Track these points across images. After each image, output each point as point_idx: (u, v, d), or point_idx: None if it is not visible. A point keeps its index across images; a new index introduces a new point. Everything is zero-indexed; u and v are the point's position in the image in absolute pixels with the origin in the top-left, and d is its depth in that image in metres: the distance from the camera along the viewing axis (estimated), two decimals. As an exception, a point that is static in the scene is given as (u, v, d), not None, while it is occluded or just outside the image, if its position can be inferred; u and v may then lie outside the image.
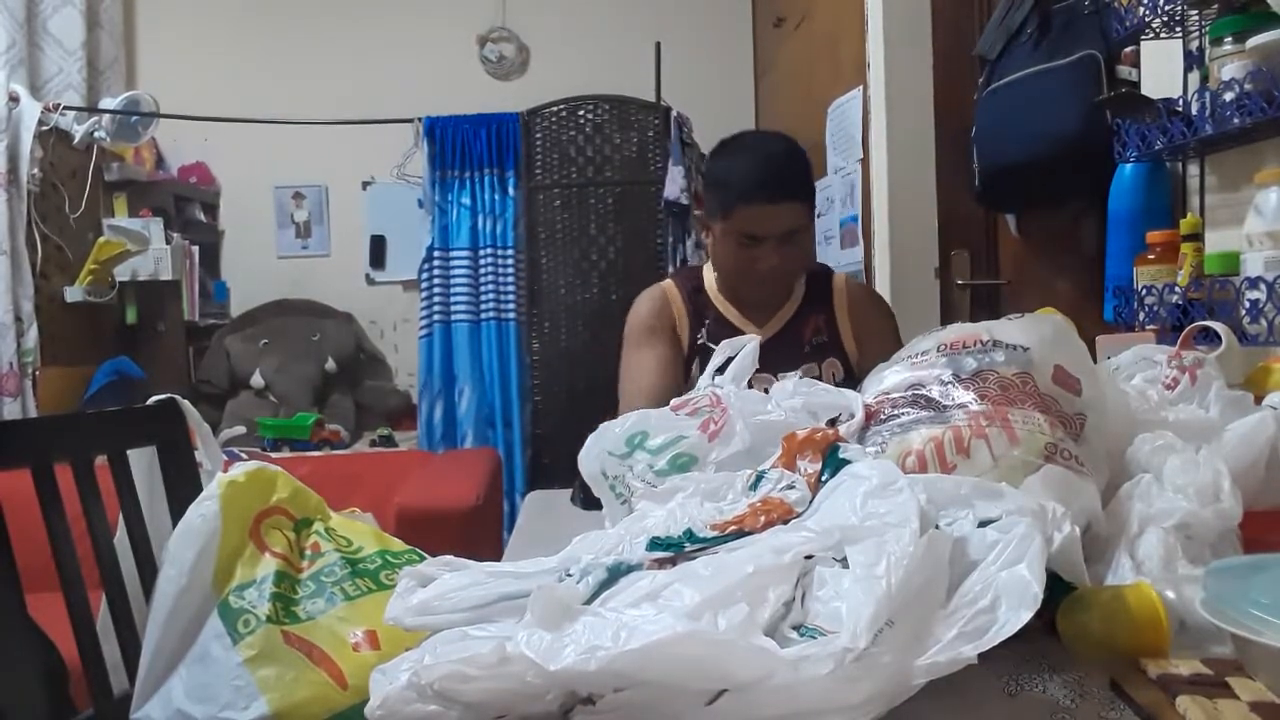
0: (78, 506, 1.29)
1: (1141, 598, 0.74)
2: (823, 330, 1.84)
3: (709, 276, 1.90)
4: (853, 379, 1.78)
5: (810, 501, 0.83)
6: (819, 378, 1.79)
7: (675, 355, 1.82)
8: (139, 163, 3.96)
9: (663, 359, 1.80)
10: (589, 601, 0.72)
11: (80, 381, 3.48)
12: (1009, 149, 2.04)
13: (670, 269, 3.67)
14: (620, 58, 4.06)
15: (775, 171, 1.73)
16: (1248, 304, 1.41)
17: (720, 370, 1.20)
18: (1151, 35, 1.71)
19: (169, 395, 1.48)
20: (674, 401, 1.13)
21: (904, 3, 2.68)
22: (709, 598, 0.67)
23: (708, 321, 1.83)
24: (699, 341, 1.82)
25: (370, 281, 4.38)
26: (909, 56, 2.68)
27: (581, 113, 3.81)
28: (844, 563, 0.71)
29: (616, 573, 0.76)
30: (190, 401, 1.55)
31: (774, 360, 1.80)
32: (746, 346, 1.21)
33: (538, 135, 3.81)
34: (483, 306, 3.82)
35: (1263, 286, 1.39)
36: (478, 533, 2.60)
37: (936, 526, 0.74)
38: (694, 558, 0.77)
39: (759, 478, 0.90)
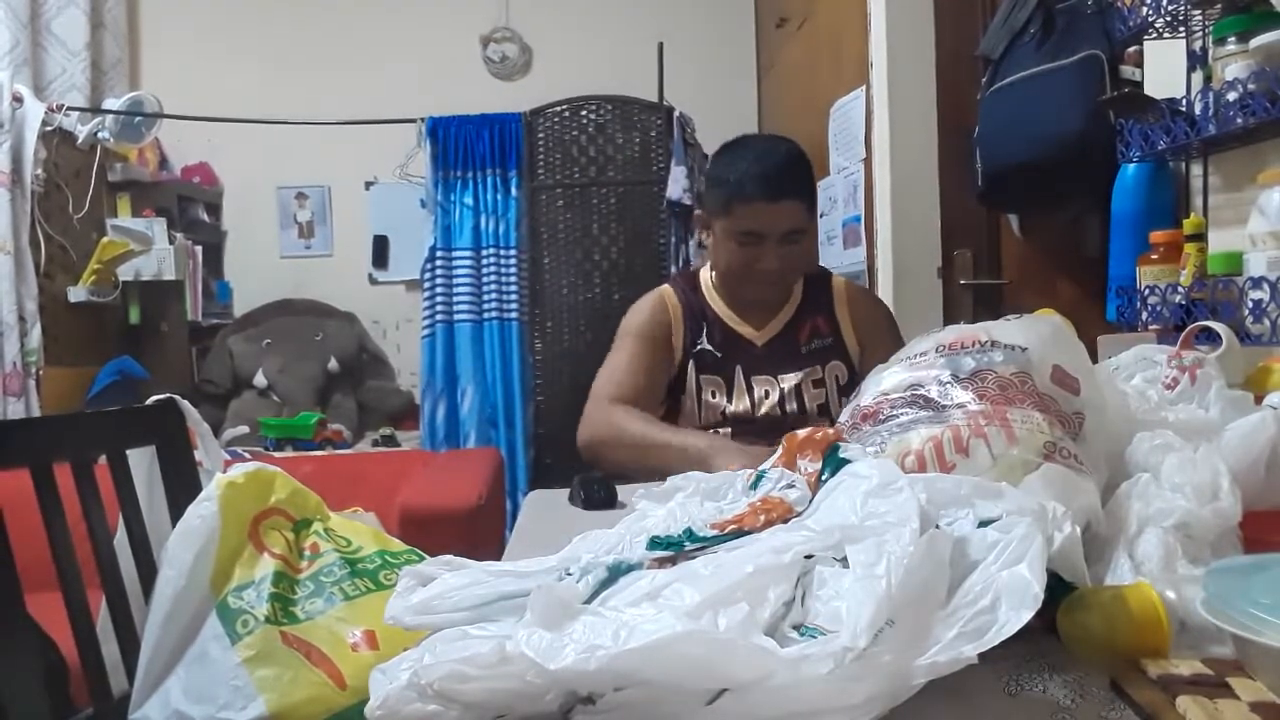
0: (78, 507, 1.29)
1: (1141, 598, 0.73)
2: (824, 333, 1.84)
3: (706, 279, 1.90)
4: (856, 382, 1.78)
5: (810, 501, 0.83)
6: (821, 381, 1.80)
7: (659, 361, 1.81)
8: (142, 163, 3.96)
9: (643, 361, 1.80)
10: (589, 601, 0.72)
11: (84, 381, 3.48)
12: (1012, 149, 2.04)
13: (672, 269, 3.67)
14: (623, 58, 4.06)
15: (776, 170, 1.73)
16: (1251, 304, 1.41)
17: None
18: (1154, 35, 1.71)
19: (168, 395, 1.48)
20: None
21: (907, 3, 2.68)
22: (709, 597, 0.67)
23: (706, 325, 1.83)
24: (697, 347, 1.82)
25: (373, 281, 4.39)
26: (912, 56, 2.68)
27: (584, 113, 3.81)
28: (844, 562, 0.71)
29: (617, 572, 0.76)
30: (193, 401, 1.55)
31: (773, 363, 1.80)
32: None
33: (540, 135, 3.81)
34: (485, 306, 3.82)
35: (1266, 286, 1.38)
36: (480, 532, 2.59)
37: (936, 526, 0.74)
38: (694, 557, 0.76)
39: (759, 477, 0.89)
